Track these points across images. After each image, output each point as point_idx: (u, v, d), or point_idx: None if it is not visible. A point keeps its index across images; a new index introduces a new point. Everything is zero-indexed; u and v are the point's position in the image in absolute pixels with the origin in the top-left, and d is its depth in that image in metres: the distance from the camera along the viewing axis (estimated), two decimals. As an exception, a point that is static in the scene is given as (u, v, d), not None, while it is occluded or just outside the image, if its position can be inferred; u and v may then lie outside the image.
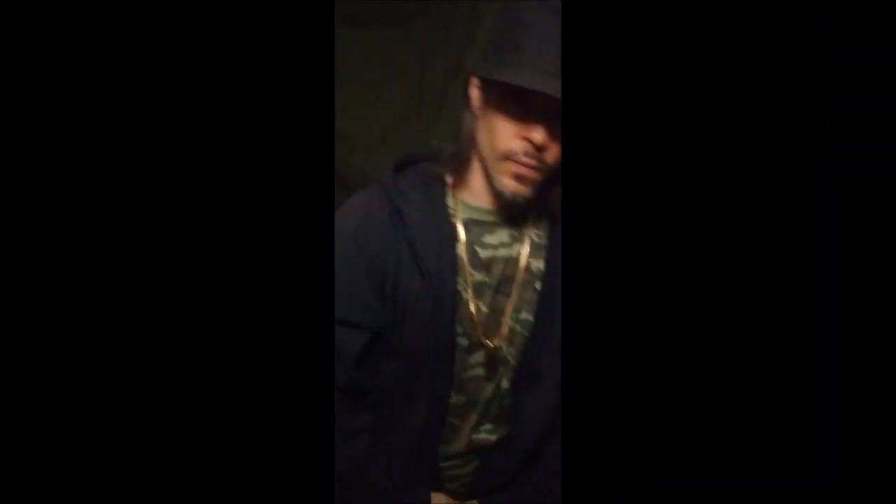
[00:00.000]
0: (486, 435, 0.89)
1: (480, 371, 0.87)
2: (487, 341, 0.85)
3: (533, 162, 0.79)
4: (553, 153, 0.80)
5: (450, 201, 0.87)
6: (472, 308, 0.84)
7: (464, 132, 0.85)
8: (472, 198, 0.87)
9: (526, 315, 0.87)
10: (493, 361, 0.86)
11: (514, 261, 0.87)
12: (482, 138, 0.83)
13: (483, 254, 0.86)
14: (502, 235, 0.87)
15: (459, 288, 0.84)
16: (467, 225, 0.86)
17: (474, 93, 0.83)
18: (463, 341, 0.85)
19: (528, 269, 0.87)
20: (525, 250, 0.86)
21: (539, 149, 0.79)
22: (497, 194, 0.83)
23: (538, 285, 0.87)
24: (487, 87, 0.82)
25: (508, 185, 0.81)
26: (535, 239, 0.88)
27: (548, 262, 0.87)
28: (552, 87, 0.73)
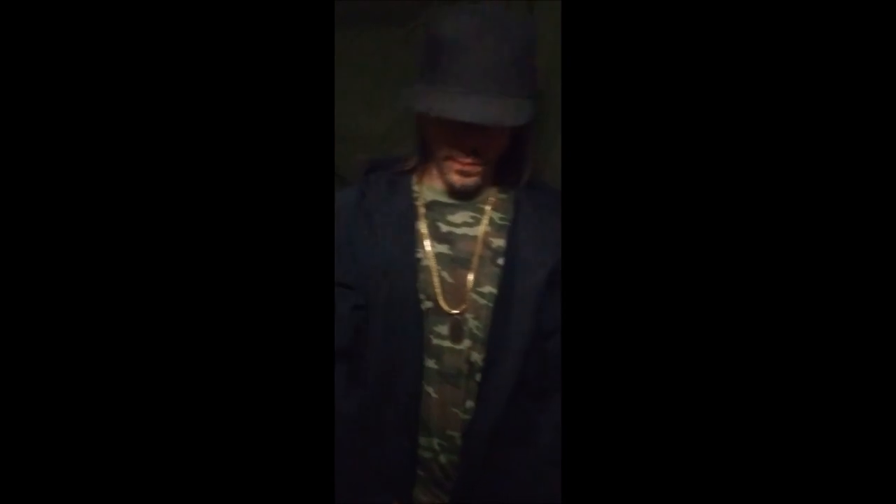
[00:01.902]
0: (463, 415, 0.92)
1: (447, 341, 0.92)
2: (447, 307, 0.92)
3: (472, 161, 0.90)
4: (493, 149, 0.91)
5: (415, 187, 0.97)
6: (435, 276, 0.92)
7: (417, 135, 0.96)
8: (436, 184, 0.97)
9: (490, 288, 0.92)
10: (457, 328, 0.92)
11: (476, 238, 0.95)
12: (429, 141, 0.93)
13: (445, 228, 0.95)
14: (465, 216, 0.96)
15: (419, 255, 0.93)
16: (430, 205, 0.96)
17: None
18: (427, 304, 0.92)
19: (488, 245, 0.94)
20: (485, 228, 0.95)
21: (475, 153, 0.89)
22: (449, 186, 0.94)
23: (500, 261, 0.93)
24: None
25: (455, 179, 0.92)
26: (498, 220, 0.96)
27: (509, 240, 0.94)
28: (474, 111, 0.83)
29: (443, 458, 0.92)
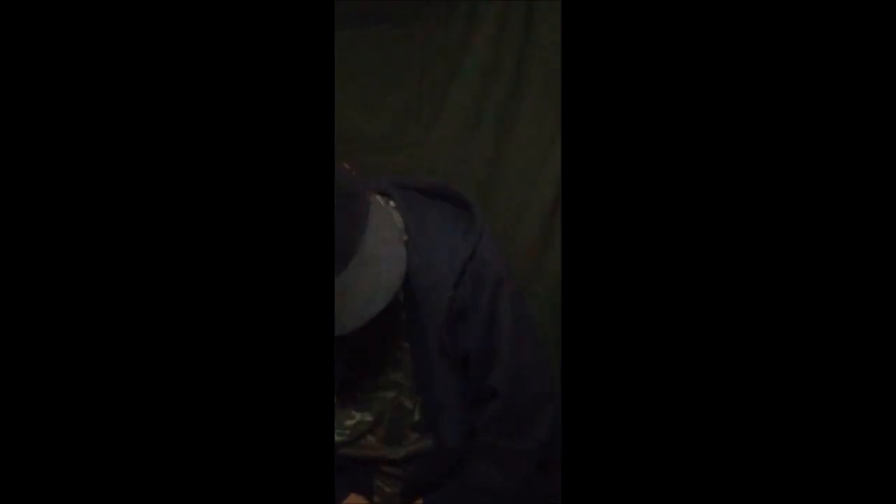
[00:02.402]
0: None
1: None
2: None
3: None
4: None
5: None
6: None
7: None
8: None
9: (401, 342, 0.90)
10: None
11: None
12: None
13: None
14: None
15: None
16: None
17: None
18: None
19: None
20: None
21: None
22: None
23: (402, 314, 0.89)
24: None
25: None
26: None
27: (405, 292, 0.87)
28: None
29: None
